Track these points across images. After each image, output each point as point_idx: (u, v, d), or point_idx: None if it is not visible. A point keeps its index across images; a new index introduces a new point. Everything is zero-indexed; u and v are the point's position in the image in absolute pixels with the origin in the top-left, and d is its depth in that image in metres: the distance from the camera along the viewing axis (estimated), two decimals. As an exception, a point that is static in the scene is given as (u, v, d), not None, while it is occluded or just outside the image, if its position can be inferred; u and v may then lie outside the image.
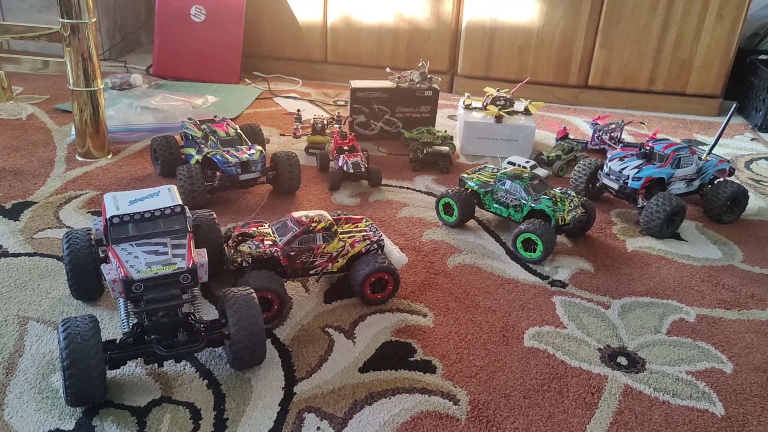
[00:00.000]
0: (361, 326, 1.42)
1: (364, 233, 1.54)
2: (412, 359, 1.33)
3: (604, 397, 1.25)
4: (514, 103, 2.50)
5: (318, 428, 1.16)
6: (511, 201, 1.80)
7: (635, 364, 1.35)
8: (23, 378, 1.22)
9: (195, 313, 1.26)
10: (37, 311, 1.41)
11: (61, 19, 2.01)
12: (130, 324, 1.23)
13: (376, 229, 1.57)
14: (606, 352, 1.38)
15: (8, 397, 1.18)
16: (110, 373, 1.22)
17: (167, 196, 1.29)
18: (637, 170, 1.91)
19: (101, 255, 1.41)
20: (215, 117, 2.07)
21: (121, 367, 1.24)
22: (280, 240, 1.48)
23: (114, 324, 1.38)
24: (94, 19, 2.04)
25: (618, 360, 1.36)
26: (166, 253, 1.20)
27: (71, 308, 1.43)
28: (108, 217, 1.22)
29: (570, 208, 1.74)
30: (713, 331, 1.47)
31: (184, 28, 3.05)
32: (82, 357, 1.10)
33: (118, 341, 1.19)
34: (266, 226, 1.56)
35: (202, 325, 1.24)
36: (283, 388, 1.23)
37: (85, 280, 1.41)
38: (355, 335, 1.39)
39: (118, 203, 1.26)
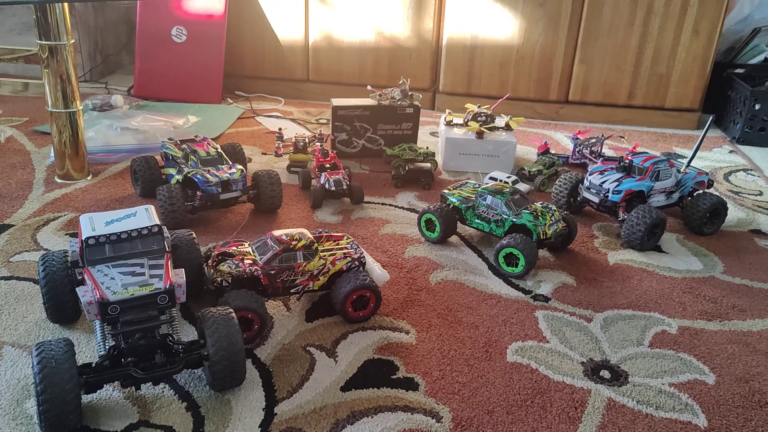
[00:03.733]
0: (343, 344, 1.41)
1: (345, 251, 1.54)
2: (394, 377, 1.32)
3: (588, 411, 1.25)
4: (495, 118, 2.52)
5: (299, 449, 1.14)
6: (492, 216, 1.80)
7: (618, 377, 1.34)
8: (-3, 404, 1.20)
9: (173, 334, 1.24)
10: (12, 335, 1.38)
11: (39, 41, 2.00)
12: (107, 347, 1.21)
13: (357, 246, 1.56)
14: (589, 365, 1.38)
15: (-19, 424, 1.15)
16: (86, 398, 1.20)
17: (144, 216, 1.28)
18: (617, 183, 1.93)
19: (78, 277, 1.39)
20: (196, 137, 2.06)
21: (98, 391, 1.21)
22: (260, 259, 1.46)
23: (91, 347, 1.36)
24: (73, 41, 2.04)
25: (601, 373, 1.35)
26: (143, 274, 1.19)
27: (47, 332, 1.40)
28: (83, 239, 1.20)
29: (551, 222, 1.75)
30: (695, 343, 1.47)
31: (165, 49, 3.05)
32: (56, 381, 1.08)
33: (93, 364, 1.17)
34: (246, 245, 1.55)
35: (180, 347, 1.22)
36: (263, 409, 1.22)
37: (61, 303, 1.38)
38: (337, 353, 1.38)
39: (95, 224, 1.24)
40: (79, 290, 1.18)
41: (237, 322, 1.22)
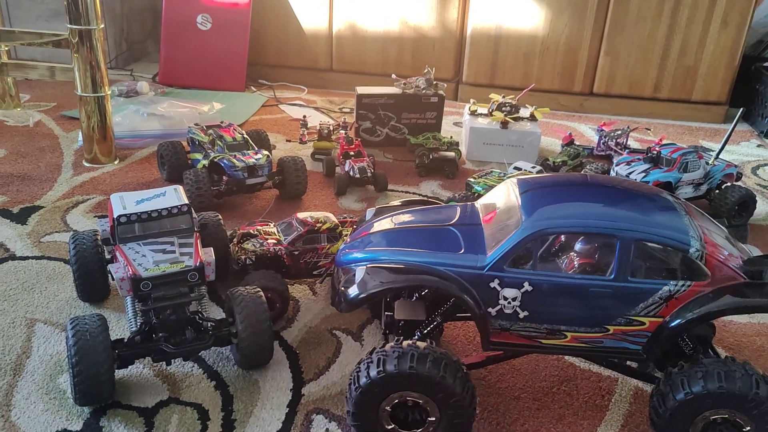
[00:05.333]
0: (368, 329, 1.41)
1: None
2: (420, 361, 1.32)
3: (615, 400, 1.24)
4: (519, 109, 2.51)
5: (327, 430, 1.15)
6: (518, 205, 1.79)
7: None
8: (30, 379, 1.22)
9: (202, 311, 1.25)
10: (45, 313, 1.41)
11: (69, 26, 2.02)
12: (138, 323, 1.22)
13: None
14: (615, 354, 1.37)
15: (16, 398, 1.17)
16: (118, 374, 1.21)
17: (173, 196, 1.30)
18: (644, 174, 1.91)
19: (108, 256, 1.41)
20: (222, 122, 2.08)
21: (129, 367, 1.23)
22: (285, 239, 1.48)
23: (121, 325, 1.38)
24: (102, 26, 2.06)
25: (627, 362, 1.34)
26: (173, 252, 1.21)
27: (78, 310, 1.42)
28: (115, 217, 1.22)
29: (577, 211, 1.73)
30: (723, 335, 1.46)
31: (190, 37, 3.06)
32: (90, 354, 1.10)
33: (125, 340, 1.18)
34: (271, 225, 1.56)
35: (209, 324, 1.24)
36: (291, 390, 1.23)
37: (92, 281, 1.41)
38: (363, 337, 1.38)
39: (125, 203, 1.26)
40: (112, 267, 1.20)
41: (265, 302, 1.24)
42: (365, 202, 2.03)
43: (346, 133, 2.27)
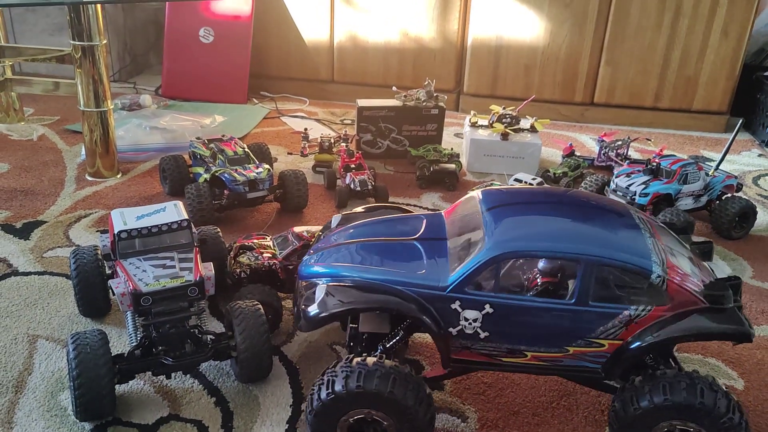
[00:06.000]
0: (368, 343, 1.41)
1: None
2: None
3: (614, 414, 1.24)
4: (520, 120, 2.51)
5: (326, 446, 1.15)
6: (518, 217, 1.79)
7: (645, 380, 1.33)
8: (32, 396, 1.23)
9: (202, 325, 1.26)
10: (47, 329, 1.41)
11: (72, 41, 2.04)
12: (138, 337, 1.23)
13: None
14: (615, 368, 1.37)
15: (17, 415, 1.18)
16: (119, 390, 1.22)
17: (173, 211, 1.31)
18: (644, 186, 1.91)
19: (108, 271, 1.42)
20: (223, 136, 2.09)
21: (130, 383, 1.24)
22: (280, 253, 1.49)
23: (122, 341, 1.39)
24: (105, 41, 2.08)
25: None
26: (173, 267, 1.22)
27: (80, 326, 1.43)
28: (116, 232, 1.23)
29: (577, 224, 1.74)
30: (723, 348, 1.46)
31: (192, 50, 3.09)
32: (91, 368, 1.11)
33: (126, 354, 1.19)
34: (268, 239, 1.57)
35: (209, 337, 1.24)
36: (290, 406, 1.23)
37: (92, 296, 1.42)
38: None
39: (125, 219, 1.27)
40: (112, 282, 1.21)
41: (264, 316, 1.24)
42: (366, 214, 2.04)
43: (347, 146, 2.28)
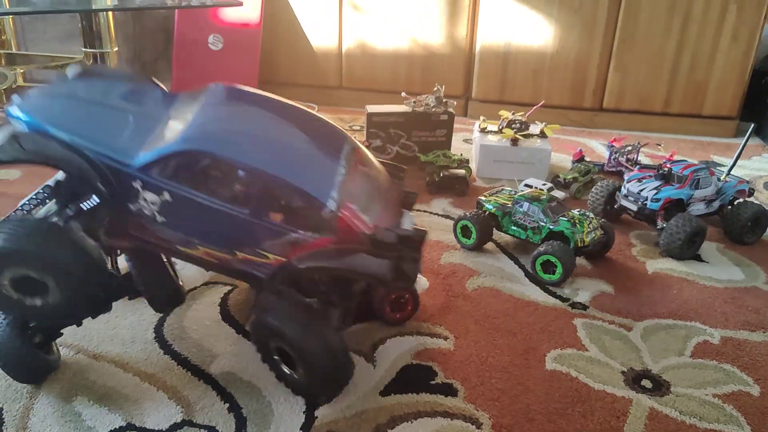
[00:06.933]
0: (381, 349, 1.41)
1: None
2: (433, 382, 1.32)
3: (630, 421, 1.23)
4: (529, 126, 2.51)
5: (340, 452, 1.15)
6: (529, 223, 1.79)
7: (660, 387, 1.33)
8: (46, 401, 1.23)
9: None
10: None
11: (84, 49, 2.06)
12: None
13: None
14: (630, 374, 1.36)
15: (32, 420, 1.18)
16: (132, 393, 1.22)
17: None
18: (655, 191, 1.91)
19: None
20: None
21: (143, 389, 1.24)
22: None
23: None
24: (116, 49, 2.09)
25: (642, 383, 1.34)
26: None
27: (93, 331, 1.43)
28: None
29: (589, 229, 1.73)
30: (738, 354, 1.45)
31: (201, 57, 3.10)
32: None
33: None
34: None
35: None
36: (304, 412, 1.23)
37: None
38: (375, 358, 1.38)
39: None
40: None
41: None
42: (376, 220, 2.04)
43: (356, 152, 2.28)
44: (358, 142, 1.27)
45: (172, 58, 3.15)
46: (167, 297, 1.31)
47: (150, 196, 1.11)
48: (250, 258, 1.15)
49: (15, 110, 1.19)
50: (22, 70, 2.55)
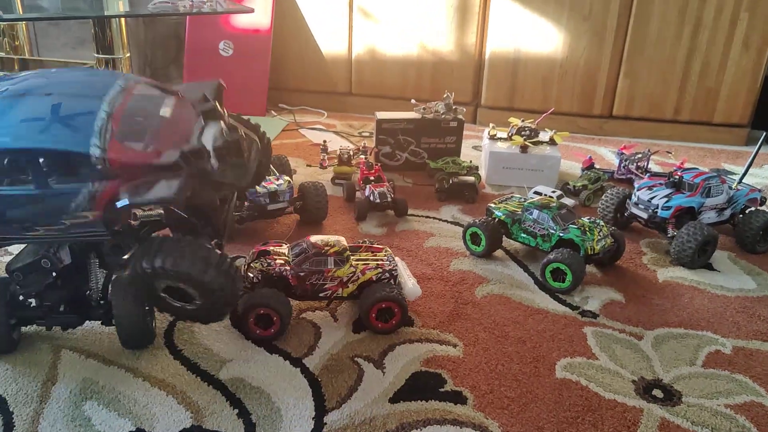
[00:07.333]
0: (390, 356, 1.41)
1: (379, 261, 1.54)
2: (442, 390, 1.31)
3: (641, 431, 1.23)
4: (539, 133, 2.51)
5: (349, 459, 1.14)
6: (538, 230, 1.79)
7: (671, 396, 1.32)
8: (56, 406, 1.23)
9: None
10: (70, 339, 1.42)
11: (96, 55, 2.08)
12: None
13: (393, 259, 1.57)
14: (640, 384, 1.35)
15: (42, 425, 1.19)
16: (142, 398, 1.22)
17: None
18: (666, 199, 1.90)
19: None
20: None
21: (152, 395, 1.24)
22: (293, 260, 1.49)
23: (145, 352, 1.39)
24: (128, 54, 2.11)
25: (653, 392, 1.33)
26: None
27: (103, 335, 1.44)
28: None
29: (599, 237, 1.73)
30: (751, 364, 1.43)
31: (212, 63, 3.12)
32: None
33: None
34: (284, 246, 1.58)
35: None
36: (313, 418, 1.23)
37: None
38: (385, 365, 1.38)
39: None
40: None
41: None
42: (386, 227, 2.04)
43: (366, 158, 2.29)
44: (134, 80, 1.28)
45: (184, 64, 3.17)
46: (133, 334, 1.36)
47: None
48: (77, 222, 1.18)
49: None
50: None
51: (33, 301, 1.37)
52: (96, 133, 1.14)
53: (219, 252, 1.25)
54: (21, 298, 1.35)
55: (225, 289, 1.23)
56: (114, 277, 1.33)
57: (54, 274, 1.32)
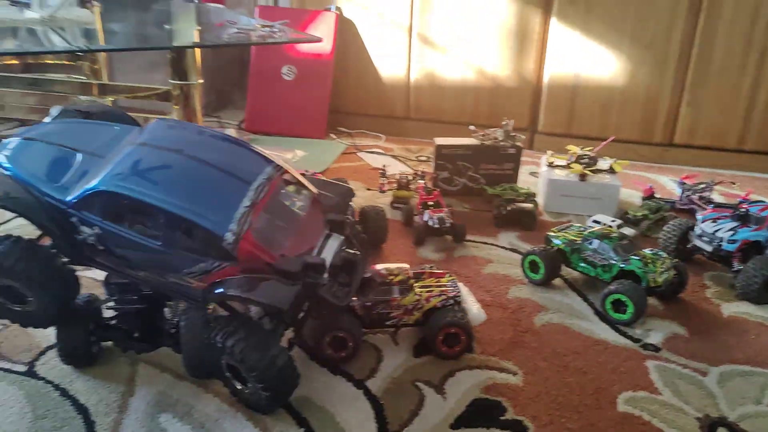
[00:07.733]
0: (450, 382, 1.43)
1: (443, 288, 1.57)
2: (502, 418, 1.33)
3: (698, 466, 1.21)
4: (598, 161, 2.50)
5: (411, 483, 1.17)
6: (599, 260, 1.79)
7: (737, 435, 1.30)
8: (134, 417, 1.30)
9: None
10: (146, 354, 1.50)
11: (172, 80, 2.19)
12: None
13: (456, 285, 1.59)
14: (705, 421, 1.33)
15: (121, 434, 1.26)
16: (214, 413, 1.28)
17: None
18: (732, 233, 1.87)
19: None
20: (306, 171, 2.17)
21: (222, 410, 1.29)
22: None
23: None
24: (201, 81, 2.21)
25: (718, 431, 1.31)
26: None
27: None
28: None
29: (662, 269, 1.71)
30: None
31: (275, 86, 3.23)
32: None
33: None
34: None
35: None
36: (376, 441, 1.26)
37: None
38: (445, 390, 1.40)
39: None
40: None
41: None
42: (444, 252, 2.07)
43: (424, 183, 2.33)
44: (279, 170, 1.32)
45: (248, 88, 3.29)
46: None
47: (85, 229, 1.25)
48: (178, 282, 1.25)
49: None
50: (112, 100, 2.72)
51: (114, 320, 1.43)
52: (236, 220, 1.19)
53: (288, 355, 1.28)
54: (103, 314, 1.43)
55: (282, 389, 1.29)
56: (185, 317, 1.34)
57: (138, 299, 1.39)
